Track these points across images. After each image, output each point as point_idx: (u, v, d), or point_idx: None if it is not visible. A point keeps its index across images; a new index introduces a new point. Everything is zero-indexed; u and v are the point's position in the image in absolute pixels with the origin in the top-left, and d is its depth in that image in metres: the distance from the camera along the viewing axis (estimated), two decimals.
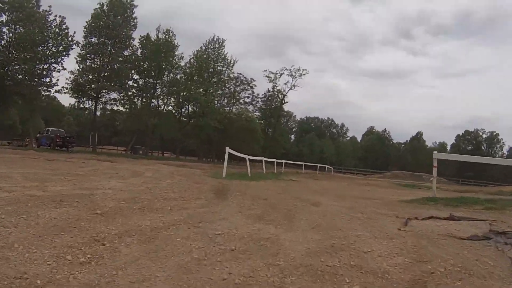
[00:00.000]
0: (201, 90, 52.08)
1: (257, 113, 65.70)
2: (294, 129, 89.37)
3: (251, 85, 61.67)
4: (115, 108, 49.71)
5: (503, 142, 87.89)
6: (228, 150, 16.75)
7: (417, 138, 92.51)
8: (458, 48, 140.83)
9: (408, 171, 62.90)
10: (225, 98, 58.79)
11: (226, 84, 57.89)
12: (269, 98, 66.42)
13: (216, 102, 55.50)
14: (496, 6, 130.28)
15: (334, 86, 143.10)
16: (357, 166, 73.27)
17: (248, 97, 63.29)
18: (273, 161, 31.79)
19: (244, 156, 20.10)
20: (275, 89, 66.09)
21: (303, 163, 41.87)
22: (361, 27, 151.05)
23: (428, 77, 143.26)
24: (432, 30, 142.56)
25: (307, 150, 77.19)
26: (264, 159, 26.60)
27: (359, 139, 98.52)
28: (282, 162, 34.70)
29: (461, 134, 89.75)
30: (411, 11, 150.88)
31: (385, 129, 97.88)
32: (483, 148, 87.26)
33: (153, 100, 51.28)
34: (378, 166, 71.82)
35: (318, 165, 47.73)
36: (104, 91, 45.38)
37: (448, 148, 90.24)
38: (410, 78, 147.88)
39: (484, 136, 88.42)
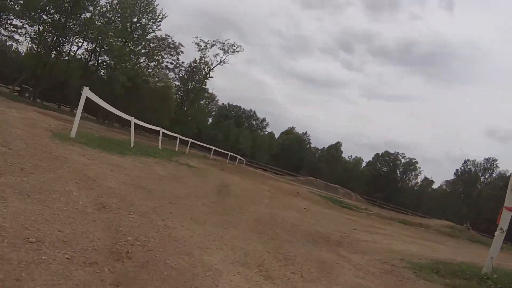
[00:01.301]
0: (117, 40, 45.01)
1: (177, 83, 59.72)
2: (213, 113, 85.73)
3: (177, 50, 55.63)
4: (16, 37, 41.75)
5: (419, 171, 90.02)
6: (87, 92, 10.17)
7: (336, 148, 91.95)
8: (392, 73, 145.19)
9: (322, 180, 60.73)
10: (145, 58, 51.84)
11: (151, 44, 51.11)
12: (194, 70, 60.56)
13: (132, 57, 48.42)
14: (440, 43, 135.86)
15: (262, 81, 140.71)
16: (269, 163, 70.05)
17: (172, 63, 57.13)
18: (177, 137, 26.46)
19: (134, 121, 15.12)
20: (203, 60, 60.60)
21: (213, 148, 37.17)
22: (304, 31, 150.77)
23: (356, 93, 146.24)
24: (373, 50, 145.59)
25: (222, 137, 73.20)
26: (162, 130, 21.80)
27: (277, 136, 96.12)
28: (189, 141, 30.39)
29: (380, 154, 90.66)
30: (358, 28, 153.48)
31: (306, 132, 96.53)
32: (398, 172, 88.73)
33: (62, 39, 43.27)
34: (290, 167, 69.10)
35: (230, 153, 43.35)
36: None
37: (363, 164, 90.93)
38: (339, 90, 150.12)
39: (403, 161, 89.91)
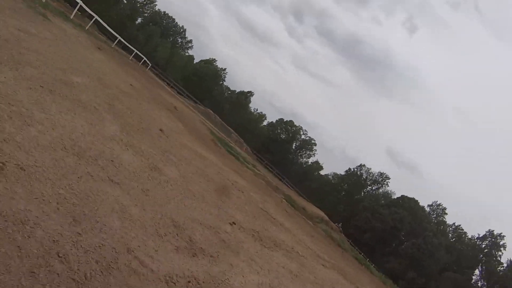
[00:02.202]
0: None
1: None
2: (146, 14, 79.51)
3: None
4: None
5: (314, 153, 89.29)
6: None
7: (245, 95, 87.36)
8: (328, 57, 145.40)
9: (220, 118, 55.53)
10: None
11: None
12: None
13: None
14: (386, 55, 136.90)
15: (205, 7, 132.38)
16: (178, 82, 63.00)
17: None
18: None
19: None
20: None
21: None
22: None
23: (287, 59, 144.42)
24: (321, 29, 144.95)
25: (143, 40, 69.11)
26: None
27: (196, 61, 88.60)
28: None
29: (284, 120, 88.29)
30: (319, 3, 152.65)
31: (225, 68, 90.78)
32: (294, 144, 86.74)
33: None
34: (196, 94, 63.09)
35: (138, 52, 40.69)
36: None
37: (265, 123, 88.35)
38: (273, 49, 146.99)
39: (303, 137, 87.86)
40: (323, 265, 11.29)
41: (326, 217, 46.78)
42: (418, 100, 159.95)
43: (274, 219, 12.73)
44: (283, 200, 23.69)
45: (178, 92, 53.19)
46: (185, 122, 18.69)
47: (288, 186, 53.47)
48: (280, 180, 53.99)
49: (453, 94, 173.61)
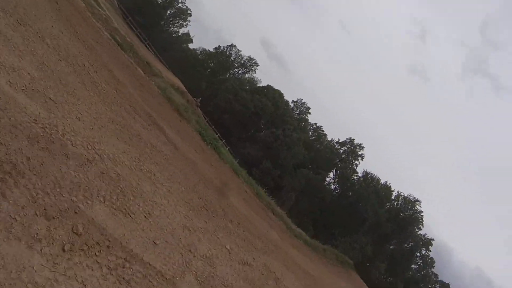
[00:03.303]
0: None
1: None
2: None
3: None
4: None
5: (187, 24, 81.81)
6: None
7: None
8: None
9: None
10: None
11: None
12: None
13: None
14: None
15: None
16: None
17: None
18: None
19: None
20: None
21: None
22: None
23: None
24: None
25: None
26: None
27: None
28: None
29: None
30: None
31: None
32: (168, 11, 79.27)
33: None
34: None
35: None
36: None
37: None
38: None
39: (180, 5, 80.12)
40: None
41: (183, 88, 44.49)
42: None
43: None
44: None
45: None
46: None
47: (149, 50, 49.22)
48: (142, 42, 49.13)
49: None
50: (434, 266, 61.76)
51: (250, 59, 78.07)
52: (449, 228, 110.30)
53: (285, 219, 25.63)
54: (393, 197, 64.03)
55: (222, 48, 78.06)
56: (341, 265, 28.20)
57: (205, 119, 48.90)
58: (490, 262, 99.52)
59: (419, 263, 62.28)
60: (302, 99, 74.79)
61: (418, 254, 62.45)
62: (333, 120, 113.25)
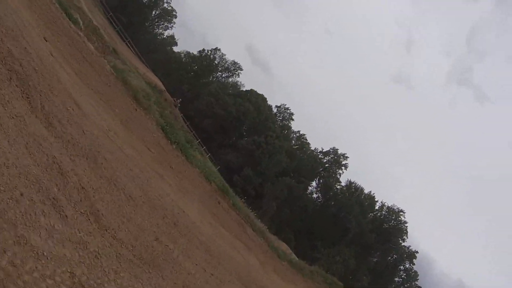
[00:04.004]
0: None
1: None
2: None
3: None
4: None
5: (172, 26, 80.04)
6: None
7: None
8: None
9: None
10: None
11: None
12: None
13: None
14: None
15: None
16: None
17: None
18: None
19: None
20: None
21: None
22: None
23: None
24: None
25: None
26: None
27: None
28: None
29: None
30: None
31: None
32: (153, 12, 77.36)
33: None
34: None
35: None
36: None
37: None
38: None
39: (165, 6, 78.20)
40: None
41: (163, 87, 43.82)
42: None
43: None
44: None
45: None
46: None
47: (132, 51, 47.36)
48: (123, 41, 47.16)
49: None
50: (418, 279, 60.55)
51: (234, 63, 76.53)
52: (432, 238, 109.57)
53: (266, 235, 23.44)
54: (376, 207, 62.85)
55: (206, 51, 76.25)
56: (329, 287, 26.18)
57: (186, 123, 47.07)
58: (473, 275, 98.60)
59: (402, 276, 60.97)
60: (285, 105, 73.25)
61: (401, 267, 61.18)
62: (317, 127, 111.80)
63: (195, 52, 77.64)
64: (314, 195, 63.59)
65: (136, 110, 15.71)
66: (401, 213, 61.43)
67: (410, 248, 61.06)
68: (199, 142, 46.70)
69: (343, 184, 63.02)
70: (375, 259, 60.96)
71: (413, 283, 60.17)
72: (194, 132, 48.84)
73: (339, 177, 64.08)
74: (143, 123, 15.68)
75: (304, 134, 70.74)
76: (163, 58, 71.02)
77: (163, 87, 44.07)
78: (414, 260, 60.82)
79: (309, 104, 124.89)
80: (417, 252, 61.31)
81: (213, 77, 75.79)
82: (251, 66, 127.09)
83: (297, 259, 27.88)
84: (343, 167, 64.66)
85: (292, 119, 72.66)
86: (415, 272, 60.62)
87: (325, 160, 65.83)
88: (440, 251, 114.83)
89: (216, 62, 76.08)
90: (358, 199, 59.45)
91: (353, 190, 60.88)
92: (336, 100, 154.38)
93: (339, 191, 61.57)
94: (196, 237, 11.18)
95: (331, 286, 26.27)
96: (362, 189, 61.47)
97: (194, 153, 22.83)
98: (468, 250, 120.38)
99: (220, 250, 12.58)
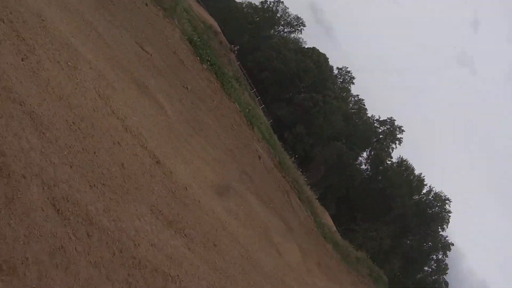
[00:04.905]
0: None
1: None
2: None
3: None
4: None
5: None
6: None
7: None
8: None
9: None
10: None
11: None
12: None
13: None
14: None
15: None
16: None
17: None
18: None
19: None
20: None
21: None
22: None
23: None
24: None
25: None
26: None
27: None
28: None
29: None
30: None
31: None
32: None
33: None
34: None
35: None
36: None
37: None
38: None
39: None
40: None
41: (218, 29, 42.39)
42: None
43: None
44: None
45: None
46: None
47: None
48: None
49: None
50: (447, 273, 58.04)
51: (297, 18, 73.34)
52: (467, 233, 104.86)
53: (314, 205, 20.88)
54: (423, 192, 60.15)
55: (268, 2, 73.14)
56: (374, 283, 23.57)
57: (242, 71, 45.80)
58: (497, 279, 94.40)
59: (433, 266, 58.61)
60: (347, 67, 69.80)
61: (434, 257, 58.73)
62: (375, 97, 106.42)
63: (257, 3, 74.95)
64: (363, 166, 61.44)
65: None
66: (447, 201, 58.51)
67: (446, 238, 58.60)
68: (254, 92, 45.54)
69: (394, 160, 60.26)
70: (410, 244, 58.80)
71: (442, 277, 57.74)
72: (250, 81, 47.64)
73: (391, 151, 61.52)
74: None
75: (363, 99, 67.66)
76: (224, 6, 68.74)
77: (219, 29, 42.65)
78: (447, 252, 58.32)
79: (369, 74, 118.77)
80: (452, 244, 58.44)
81: (275, 31, 73.12)
82: (314, 25, 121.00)
83: (342, 240, 25.77)
84: (397, 142, 62.07)
85: (353, 83, 69.57)
86: (446, 265, 58.00)
87: (380, 130, 63.11)
88: (472, 248, 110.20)
89: (279, 16, 73.22)
90: (407, 178, 56.81)
91: (404, 168, 58.24)
92: (399, 71, 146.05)
93: (389, 166, 58.90)
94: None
95: (376, 281, 24.17)
96: (413, 169, 58.63)
97: (236, 86, 21.38)
98: (500, 253, 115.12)
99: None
